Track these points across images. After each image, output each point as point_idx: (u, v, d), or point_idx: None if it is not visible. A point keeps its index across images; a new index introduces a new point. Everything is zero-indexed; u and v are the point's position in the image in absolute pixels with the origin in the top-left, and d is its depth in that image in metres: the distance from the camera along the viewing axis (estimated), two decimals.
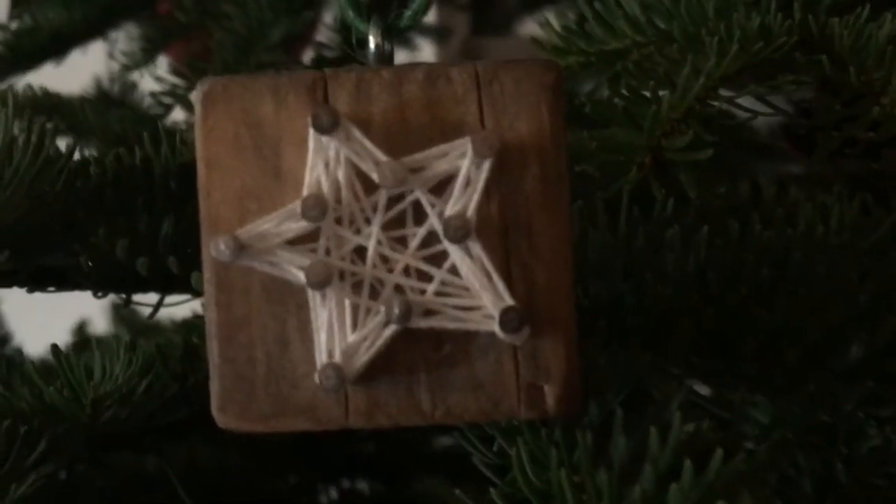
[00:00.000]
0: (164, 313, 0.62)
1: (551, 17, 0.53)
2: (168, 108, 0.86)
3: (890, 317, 0.40)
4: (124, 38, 0.96)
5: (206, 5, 0.88)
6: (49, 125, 0.38)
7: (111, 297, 1.04)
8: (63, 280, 0.49)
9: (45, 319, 0.86)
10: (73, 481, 0.56)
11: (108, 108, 0.94)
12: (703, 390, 0.46)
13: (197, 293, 0.57)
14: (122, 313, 1.05)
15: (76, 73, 0.94)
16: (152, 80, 0.91)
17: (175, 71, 0.86)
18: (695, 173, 0.47)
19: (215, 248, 0.33)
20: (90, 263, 0.39)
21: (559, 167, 0.34)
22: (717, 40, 0.48)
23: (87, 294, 0.83)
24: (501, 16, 1.39)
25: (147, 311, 0.67)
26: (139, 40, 0.90)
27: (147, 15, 0.98)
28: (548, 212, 0.34)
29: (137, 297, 0.52)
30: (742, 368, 0.41)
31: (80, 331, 1.04)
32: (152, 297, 0.53)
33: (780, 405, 0.45)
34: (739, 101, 0.49)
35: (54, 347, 0.50)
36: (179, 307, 0.63)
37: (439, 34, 1.25)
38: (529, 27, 1.27)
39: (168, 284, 0.49)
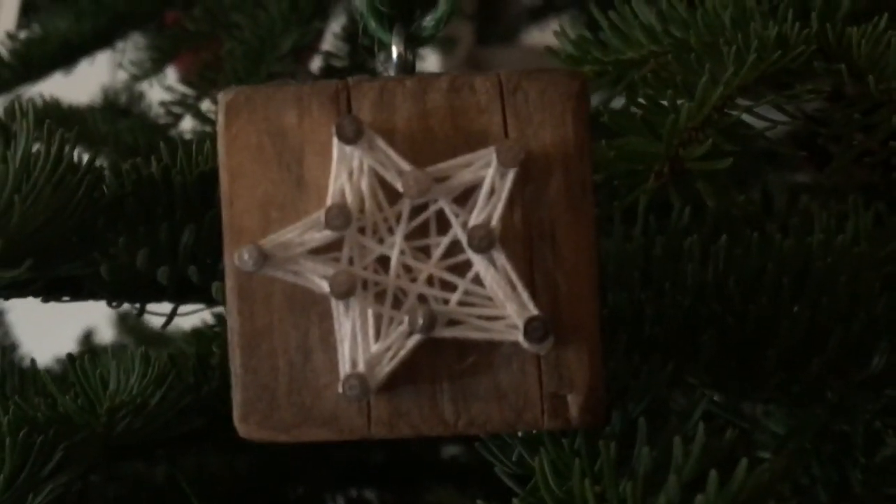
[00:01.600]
0: (173, 323, 0.62)
1: (566, 26, 0.53)
2: (178, 118, 0.86)
3: None
4: (132, 47, 0.96)
5: (217, 15, 0.88)
6: (68, 135, 0.38)
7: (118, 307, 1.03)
8: (78, 289, 0.48)
9: (51, 329, 0.86)
10: (85, 492, 0.56)
11: (117, 118, 0.94)
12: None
13: (210, 302, 0.57)
14: (129, 323, 1.05)
15: (82, 83, 0.94)
16: (161, 89, 0.92)
17: (185, 80, 0.86)
18: (713, 182, 0.47)
19: (239, 257, 0.33)
20: (110, 273, 0.39)
21: (584, 177, 0.34)
22: (734, 49, 0.48)
23: (94, 303, 0.82)
24: (506, 26, 1.39)
25: (154, 320, 0.67)
26: (148, 49, 0.90)
27: (155, 25, 0.98)
28: (572, 221, 0.34)
29: (151, 307, 0.52)
30: (764, 379, 0.40)
31: (87, 340, 1.04)
32: (165, 307, 0.53)
33: (797, 414, 0.45)
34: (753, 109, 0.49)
35: (70, 356, 0.50)
36: (189, 317, 0.63)
37: (444, 44, 1.25)
38: (535, 37, 1.27)
39: (184, 294, 0.48)
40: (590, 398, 0.34)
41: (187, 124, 0.87)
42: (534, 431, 0.37)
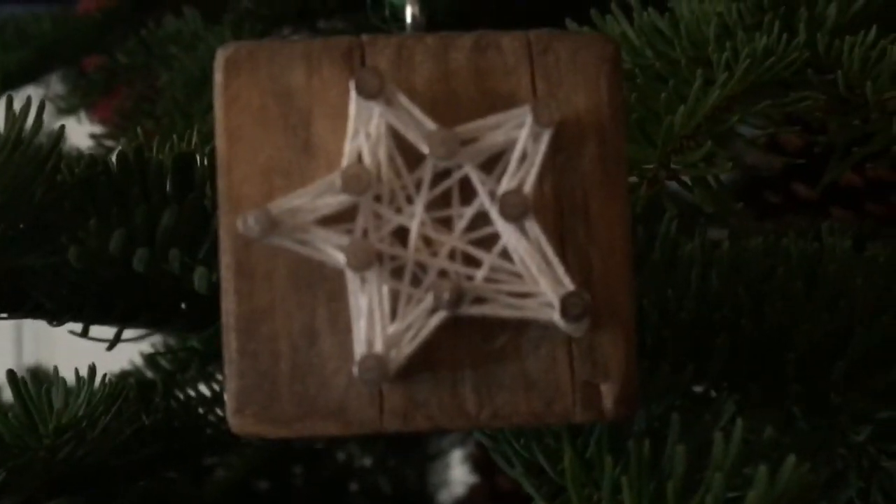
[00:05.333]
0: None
1: None
2: (110, 151, 0.82)
3: None
4: (52, 93, 0.92)
5: (152, 47, 0.85)
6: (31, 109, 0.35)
7: (25, 358, 0.97)
8: (20, 303, 0.44)
9: None
10: None
11: None
12: None
13: (157, 327, 0.53)
14: (39, 373, 1.00)
15: None
16: (85, 129, 0.88)
17: (119, 112, 0.82)
18: (708, 190, 0.45)
19: (243, 223, 0.30)
20: (79, 259, 0.35)
21: (618, 147, 0.31)
22: (724, 57, 0.47)
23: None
24: None
25: (69, 369, 0.62)
26: (80, 82, 0.86)
27: (75, 71, 0.95)
28: (606, 194, 0.31)
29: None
30: (783, 385, 0.38)
31: None
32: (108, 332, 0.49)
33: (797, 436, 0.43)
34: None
35: (10, 373, 0.45)
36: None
37: None
38: None
39: (142, 305, 0.45)
40: (625, 388, 0.31)
41: None
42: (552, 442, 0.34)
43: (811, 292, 0.40)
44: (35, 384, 0.45)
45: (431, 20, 0.32)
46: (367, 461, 0.89)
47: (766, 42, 0.48)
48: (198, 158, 0.37)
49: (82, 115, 0.88)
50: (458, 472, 0.97)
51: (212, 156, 0.38)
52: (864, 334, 0.38)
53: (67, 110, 0.87)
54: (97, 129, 0.84)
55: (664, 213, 0.46)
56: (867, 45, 0.47)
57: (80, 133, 0.89)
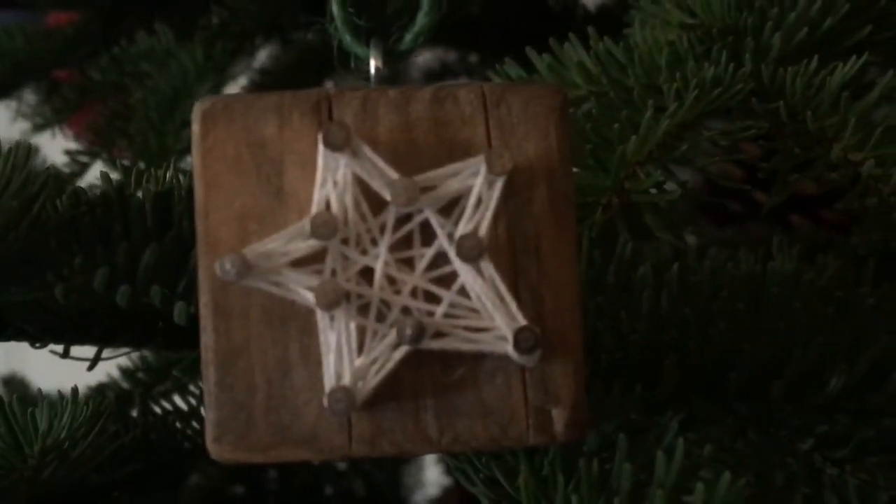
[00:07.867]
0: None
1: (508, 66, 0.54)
2: (84, 167, 0.83)
3: (867, 349, 0.41)
4: (25, 104, 0.94)
5: (124, 64, 0.86)
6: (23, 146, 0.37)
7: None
8: (2, 328, 0.46)
9: None
10: None
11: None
12: None
13: (136, 346, 0.55)
14: (14, 385, 1.01)
15: None
16: (60, 143, 0.89)
17: (93, 129, 0.83)
18: (660, 215, 0.48)
19: (220, 267, 0.32)
20: (65, 296, 0.37)
21: (567, 189, 0.34)
22: (674, 86, 0.49)
23: None
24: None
25: (41, 383, 0.64)
26: (53, 99, 0.88)
27: (47, 84, 0.96)
28: (556, 234, 0.34)
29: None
30: (727, 403, 0.41)
31: None
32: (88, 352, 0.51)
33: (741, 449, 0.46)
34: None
35: None
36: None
37: None
38: None
39: (121, 330, 0.47)
40: (575, 413, 0.33)
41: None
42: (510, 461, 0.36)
43: (754, 315, 0.42)
44: (20, 405, 0.47)
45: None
46: (341, 464, 0.91)
47: (714, 72, 0.51)
48: (176, 191, 0.39)
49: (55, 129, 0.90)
50: (431, 474, 0.99)
51: (190, 191, 0.40)
52: (801, 355, 0.40)
53: (42, 126, 0.88)
54: (71, 144, 0.85)
55: (619, 237, 0.48)
56: (809, 74, 0.50)
57: (54, 148, 0.90)
